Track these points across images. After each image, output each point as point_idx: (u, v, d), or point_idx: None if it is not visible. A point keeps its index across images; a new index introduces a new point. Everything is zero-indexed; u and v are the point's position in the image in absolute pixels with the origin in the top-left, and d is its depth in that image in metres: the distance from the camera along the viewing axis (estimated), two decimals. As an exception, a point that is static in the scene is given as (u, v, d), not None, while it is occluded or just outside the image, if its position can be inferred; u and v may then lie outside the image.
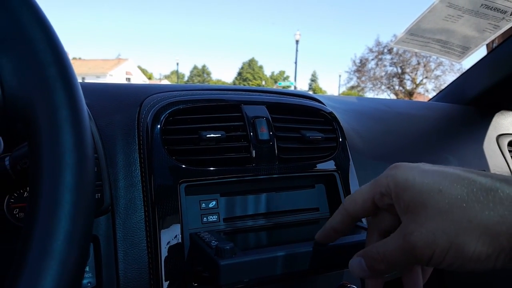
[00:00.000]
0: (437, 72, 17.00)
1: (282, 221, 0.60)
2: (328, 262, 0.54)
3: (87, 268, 0.48)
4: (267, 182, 0.60)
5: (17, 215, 0.47)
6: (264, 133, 0.60)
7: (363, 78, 18.82)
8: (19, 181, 0.39)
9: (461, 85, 1.19)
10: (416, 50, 1.16)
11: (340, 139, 0.68)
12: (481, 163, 0.99)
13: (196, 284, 0.52)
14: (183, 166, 0.54)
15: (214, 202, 0.58)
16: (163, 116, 0.55)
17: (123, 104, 0.57)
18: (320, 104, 0.70)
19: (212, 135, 0.56)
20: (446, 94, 1.23)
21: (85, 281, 0.47)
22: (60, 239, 0.23)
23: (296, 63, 21.77)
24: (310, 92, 0.77)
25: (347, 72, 20.15)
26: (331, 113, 0.70)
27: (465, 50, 1.09)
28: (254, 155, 0.59)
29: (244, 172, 0.58)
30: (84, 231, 0.25)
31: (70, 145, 0.25)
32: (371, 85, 18.60)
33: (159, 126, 0.55)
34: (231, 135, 0.58)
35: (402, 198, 0.30)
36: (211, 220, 0.56)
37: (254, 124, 0.59)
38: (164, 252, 0.51)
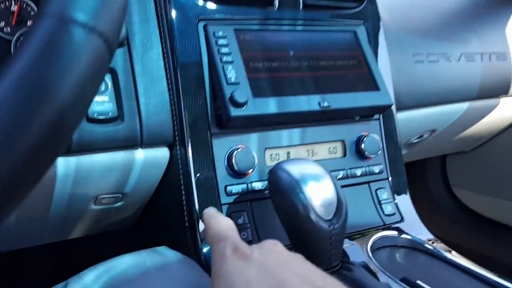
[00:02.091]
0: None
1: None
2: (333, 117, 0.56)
3: (107, 98, 0.46)
4: (290, 29, 0.56)
5: None
6: None
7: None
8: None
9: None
10: None
11: (369, -9, 0.63)
12: (503, 46, 0.96)
13: (218, 128, 0.50)
14: (203, 2, 0.51)
15: None
16: None
17: None
18: None
19: None
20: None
21: (106, 110, 0.45)
22: None
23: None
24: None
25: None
26: None
27: None
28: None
29: (265, 15, 0.54)
30: None
31: None
32: None
33: None
34: None
35: None
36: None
37: None
38: (185, 92, 0.49)
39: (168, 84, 0.49)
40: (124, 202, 0.53)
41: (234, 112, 0.47)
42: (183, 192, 0.48)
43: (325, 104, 0.52)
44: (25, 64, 0.20)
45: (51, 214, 0.49)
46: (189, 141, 0.48)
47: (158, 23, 0.50)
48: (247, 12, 0.53)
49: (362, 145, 0.57)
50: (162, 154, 0.50)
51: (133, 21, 0.49)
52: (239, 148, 0.49)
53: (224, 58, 0.49)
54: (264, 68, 0.52)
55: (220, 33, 0.50)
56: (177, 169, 0.49)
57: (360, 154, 0.58)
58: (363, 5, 0.62)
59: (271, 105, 0.49)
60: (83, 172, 0.46)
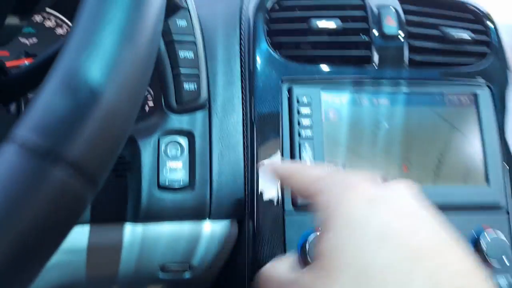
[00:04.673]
0: None
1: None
2: None
3: (181, 165, 0.44)
4: (390, 90, 0.48)
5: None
6: (392, 26, 0.47)
7: None
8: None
9: None
10: None
11: (495, 43, 0.51)
12: None
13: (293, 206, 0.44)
14: (288, 62, 0.46)
15: None
16: (269, 2, 0.47)
17: None
18: None
19: (324, 25, 0.46)
20: None
21: (178, 177, 0.43)
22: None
23: None
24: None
25: None
26: (485, 12, 0.53)
27: None
28: (376, 54, 0.47)
29: (361, 75, 0.47)
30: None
31: None
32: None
33: (262, 14, 0.47)
34: (348, 27, 0.47)
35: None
36: None
37: (379, 15, 0.47)
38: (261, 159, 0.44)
39: (244, 151, 0.45)
40: (192, 273, 0.49)
41: (301, 201, 0.43)
42: (246, 276, 0.43)
43: None
44: None
45: (119, 279, 0.48)
46: (260, 217, 0.43)
47: (242, 85, 0.47)
48: (340, 71, 0.48)
49: (484, 248, 0.44)
50: (230, 228, 0.46)
51: (218, 84, 0.47)
52: (316, 232, 0.42)
53: (304, 133, 0.44)
54: (346, 148, 0.45)
55: (304, 99, 0.45)
56: (244, 247, 0.44)
57: (481, 259, 0.44)
58: (488, 59, 0.50)
59: None
60: (149, 240, 0.44)
